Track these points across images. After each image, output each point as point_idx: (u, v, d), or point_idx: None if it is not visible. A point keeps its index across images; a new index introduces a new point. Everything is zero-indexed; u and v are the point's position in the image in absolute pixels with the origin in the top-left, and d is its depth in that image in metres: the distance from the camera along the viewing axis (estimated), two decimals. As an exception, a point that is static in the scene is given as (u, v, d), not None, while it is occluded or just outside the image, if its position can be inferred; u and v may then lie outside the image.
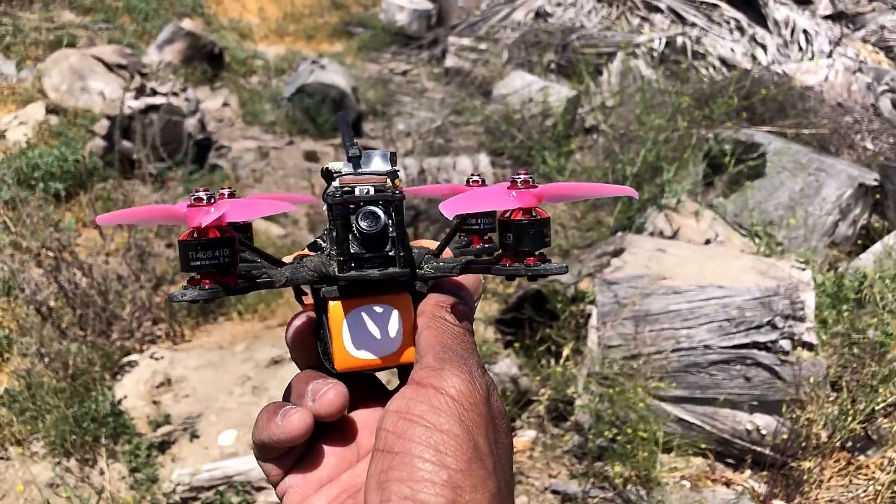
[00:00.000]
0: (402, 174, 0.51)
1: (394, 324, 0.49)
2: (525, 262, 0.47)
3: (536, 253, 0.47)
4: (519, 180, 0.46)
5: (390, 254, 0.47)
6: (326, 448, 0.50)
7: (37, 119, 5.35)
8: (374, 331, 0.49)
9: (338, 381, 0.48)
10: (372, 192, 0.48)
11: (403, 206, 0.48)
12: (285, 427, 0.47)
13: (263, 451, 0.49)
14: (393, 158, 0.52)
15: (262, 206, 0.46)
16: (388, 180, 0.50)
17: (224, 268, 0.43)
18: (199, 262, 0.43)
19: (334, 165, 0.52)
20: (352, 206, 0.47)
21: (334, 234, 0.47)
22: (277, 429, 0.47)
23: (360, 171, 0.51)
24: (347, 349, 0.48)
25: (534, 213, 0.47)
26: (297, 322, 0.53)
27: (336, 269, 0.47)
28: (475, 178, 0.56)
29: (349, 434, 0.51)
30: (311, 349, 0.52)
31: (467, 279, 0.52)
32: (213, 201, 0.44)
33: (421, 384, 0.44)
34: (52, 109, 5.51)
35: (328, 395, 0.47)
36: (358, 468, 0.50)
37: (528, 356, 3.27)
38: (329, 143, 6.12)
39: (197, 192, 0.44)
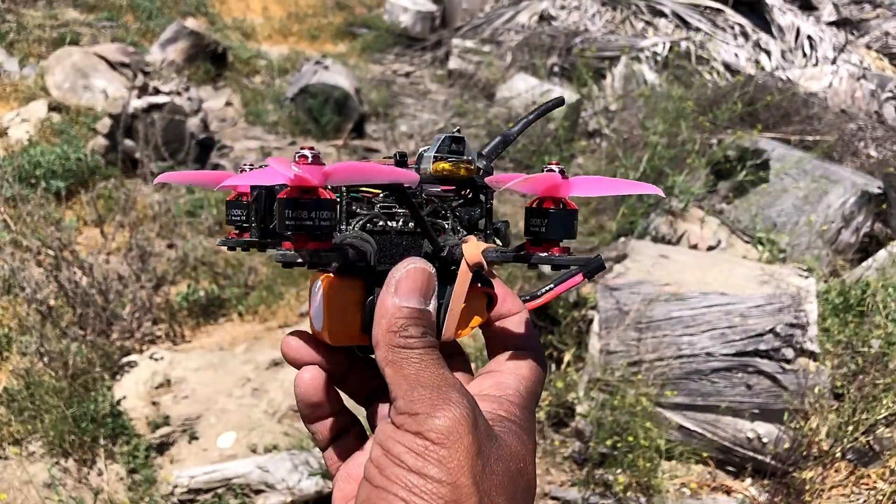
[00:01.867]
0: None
1: (319, 301, 0.48)
2: (551, 251, 0.47)
3: (560, 243, 0.47)
4: (555, 170, 0.47)
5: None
6: (370, 443, 0.51)
7: (39, 117, 5.34)
8: (315, 303, 0.49)
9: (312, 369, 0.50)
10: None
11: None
12: (298, 385, 0.50)
13: (306, 422, 0.52)
14: (448, 144, 0.52)
15: (373, 173, 0.43)
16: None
17: (328, 231, 0.43)
18: (310, 222, 0.42)
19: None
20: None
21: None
22: (295, 388, 0.51)
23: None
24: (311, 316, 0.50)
25: (563, 203, 0.47)
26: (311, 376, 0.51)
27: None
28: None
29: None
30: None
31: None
32: (320, 161, 0.42)
33: (399, 427, 0.43)
34: (54, 107, 5.50)
35: (302, 376, 0.50)
36: None
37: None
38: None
39: (303, 148, 0.42)
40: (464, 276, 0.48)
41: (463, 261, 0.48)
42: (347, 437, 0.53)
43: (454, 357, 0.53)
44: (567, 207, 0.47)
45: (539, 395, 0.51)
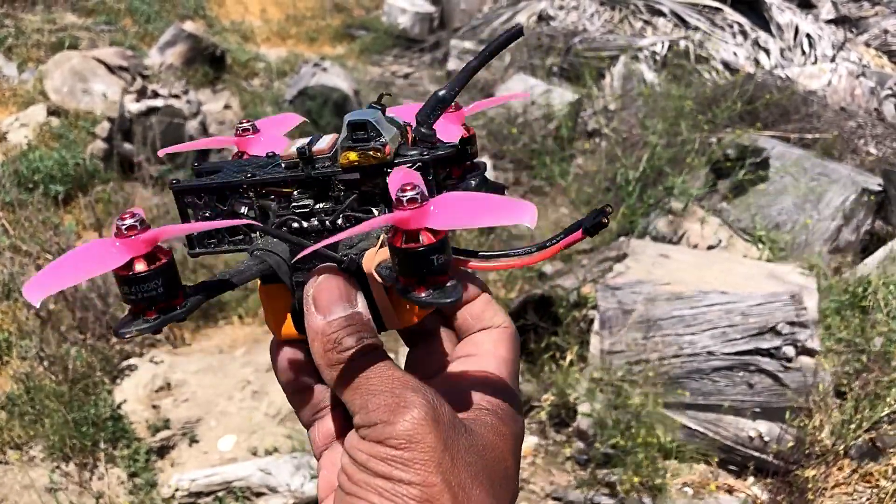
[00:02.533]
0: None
1: None
2: (417, 290, 0.42)
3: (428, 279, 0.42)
4: (124, 226, 0.41)
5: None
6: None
7: (38, 121, 5.33)
8: None
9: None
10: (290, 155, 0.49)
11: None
12: (276, 359, 0.51)
13: (289, 397, 0.52)
14: (360, 132, 0.48)
15: (201, 226, 0.48)
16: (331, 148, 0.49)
17: (160, 299, 0.41)
18: (135, 297, 0.41)
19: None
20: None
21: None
22: (275, 361, 0.51)
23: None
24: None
25: (418, 239, 0.41)
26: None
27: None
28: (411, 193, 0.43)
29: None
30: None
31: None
32: (135, 230, 0.41)
33: (364, 438, 0.43)
34: (53, 111, 5.49)
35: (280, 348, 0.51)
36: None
37: (531, 362, 3.25)
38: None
39: (123, 218, 0.41)
40: (373, 280, 0.46)
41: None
42: (330, 417, 0.52)
43: (430, 337, 0.52)
44: (421, 245, 0.40)
45: (518, 372, 0.51)
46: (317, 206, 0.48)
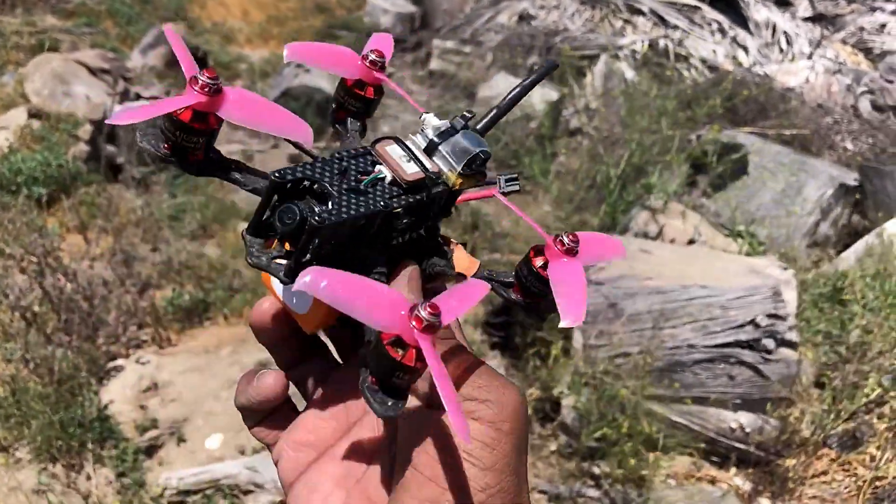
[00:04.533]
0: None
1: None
2: (536, 301, 0.47)
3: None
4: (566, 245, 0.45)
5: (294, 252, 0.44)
6: (313, 412, 0.51)
7: (19, 124, 5.31)
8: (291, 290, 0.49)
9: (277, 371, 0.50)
10: (386, 180, 0.47)
11: (327, 232, 0.43)
12: (260, 388, 0.49)
13: (246, 414, 0.51)
14: (473, 160, 0.48)
15: (267, 116, 0.46)
16: (419, 180, 0.47)
17: (184, 149, 0.45)
18: (174, 139, 0.44)
19: (428, 119, 0.50)
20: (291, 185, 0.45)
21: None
22: (253, 390, 0.49)
23: (438, 148, 0.48)
24: (280, 295, 0.51)
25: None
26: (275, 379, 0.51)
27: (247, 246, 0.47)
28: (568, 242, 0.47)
29: (336, 398, 0.51)
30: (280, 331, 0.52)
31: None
32: (212, 90, 0.44)
33: (470, 416, 0.42)
34: (34, 114, 5.47)
35: (266, 379, 0.49)
36: (357, 443, 0.50)
37: (516, 357, 3.28)
38: (314, 147, 6.11)
39: (203, 73, 0.44)
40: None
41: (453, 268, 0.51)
42: (283, 409, 0.52)
43: None
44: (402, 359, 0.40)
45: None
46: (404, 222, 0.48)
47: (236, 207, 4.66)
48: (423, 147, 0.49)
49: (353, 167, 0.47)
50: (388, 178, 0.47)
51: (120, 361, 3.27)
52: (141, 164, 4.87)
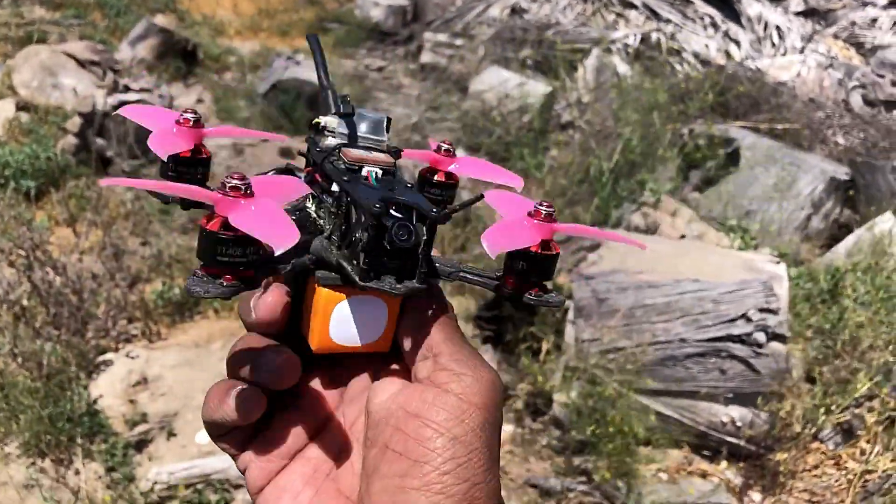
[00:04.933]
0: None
1: (381, 318, 0.48)
2: (530, 291, 0.47)
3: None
4: (543, 212, 0.47)
5: (413, 266, 0.45)
6: (282, 418, 0.49)
7: (6, 116, 5.26)
8: (361, 321, 0.47)
9: (289, 351, 0.46)
10: (380, 174, 0.48)
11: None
12: (239, 407, 0.45)
13: (216, 429, 0.48)
14: (388, 125, 0.51)
15: (285, 190, 0.45)
16: (394, 161, 0.50)
17: (250, 265, 0.42)
18: (226, 260, 0.41)
19: (328, 121, 0.51)
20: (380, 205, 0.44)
21: (359, 237, 0.44)
22: (230, 409, 0.45)
23: (360, 135, 0.50)
24: (330, 334, 0.47)
25: (550, 247, 0.46)
26: (270, 300, 0.47)
27: (356, 275, 0.44)
28: (446, 146, 0.55)
29: (304, 403, 0.49)
30: (283, 327, 0.48)
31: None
32: (250, 192, 0.41)
33: (442, 388, 0.43)
34: (22, 106, 5.42)
35: (284, 368, 0.46)
36: (327, 441, 0.48)
37: (508, 352, 3.28)
38: (304, 140, 6.09)
39: (233, 178, 0.41)
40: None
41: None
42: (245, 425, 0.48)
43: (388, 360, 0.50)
44: (553, 252, 0.47)
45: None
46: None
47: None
48: (348, 141, 0.51)
49: (357, 181, 0.48)
50: (379, 172, 0.49)
51: (109, 356, 3.25)
52: (131, 157, 4.84)
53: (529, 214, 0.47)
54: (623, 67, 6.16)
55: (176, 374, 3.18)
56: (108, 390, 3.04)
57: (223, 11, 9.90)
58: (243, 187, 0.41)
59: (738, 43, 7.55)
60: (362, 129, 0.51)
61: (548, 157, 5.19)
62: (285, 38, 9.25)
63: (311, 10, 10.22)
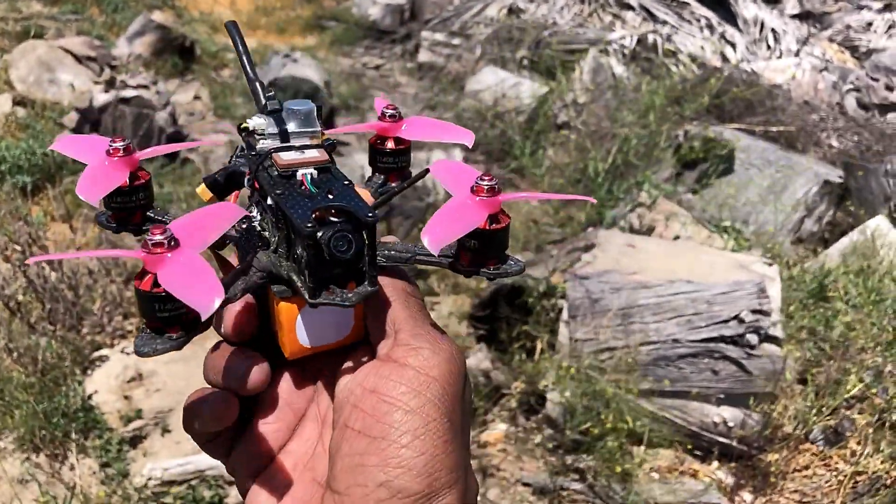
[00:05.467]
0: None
1: (347, 311, 0.48)
2: (487, 265, 0.47)
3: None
4: (485, 187, 0.45)
5: (362, 268, 0.44)
6: (261, 418, 0.49)
7: (3, 111, 5.26)
8: (326, 321, 0.47)
9: (257, 356, 0.47)
10: (315, 174, 0.47)
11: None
12: (211, 414, 0.46)
13: (198, 437, 0.49)
14: (320, 113, 0.51)
15: (217, 223, 0.42)
16: (327, 154, 0.48)
17: (191, 314, 0.40)
18: (167, 314, 0.40)
19: (256, 123, 0.50)
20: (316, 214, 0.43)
21: (301, 254, 0.43)
22: (204, 416, 0.46)
23: (290, 132, 0.49)
24: (300, 340, 0.47)
25: (499, 220, 0.46)
26: (235, 313, 0.48)
27: (305, 292, 0.43)
28: (391, 112, 0.54)
29: (280, 400, 0.50)
30: (250, 337, 0.50)
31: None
32: (174, 244, 0.39)
33: (399, 363, 0.43)
34: (19, 101, 5.42)
35: (253, 374, 0.46)
36: (304, 434, 0.49)
37: (502, 351, 3.29)
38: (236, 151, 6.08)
39: (154, 234, 0.39)
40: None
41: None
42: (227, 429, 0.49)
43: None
44: (502, 225, 0.46)
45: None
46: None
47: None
48: (280, 140, 0.50)
49: (292, 189, 0.46)
50: (314, 172, 0.47)
51: (104, 351, 3.26)
52: (127, 154, 4.84)
53: (472, 191, 0.46)
54: (619, 68, 6.18)
55: (170, 370, 3.19)
56: (102, 386, 3.05)
57: (221, 8, 9.90)
58: (166, 241, 0.39)
59: (733, 45, 7.58)
60: (292, 126, 0.50)
61: (545, 157, 5.21)
62: (283, 35, 9.25)
63: (308, 8, 10.21)
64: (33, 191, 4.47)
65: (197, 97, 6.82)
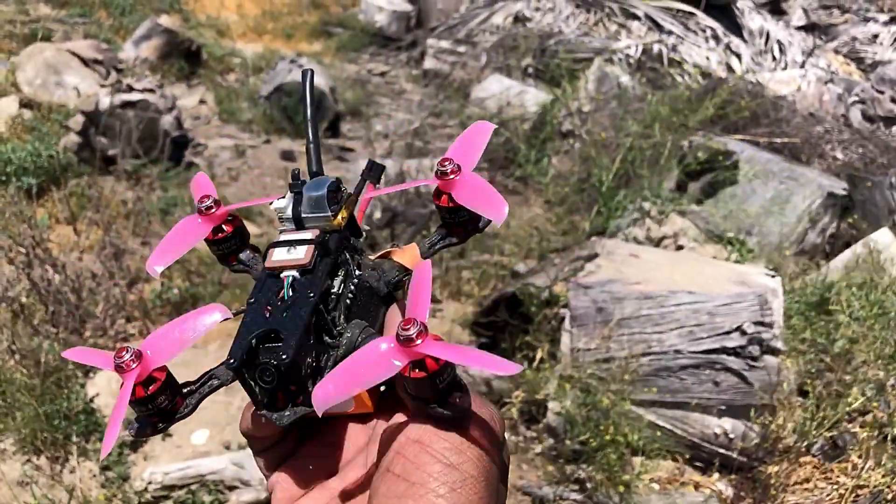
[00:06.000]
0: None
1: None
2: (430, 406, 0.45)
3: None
4: (413, 334, 0.43)
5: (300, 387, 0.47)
6: (312, 449, 0.52)
7: (10, 113, 5.29)
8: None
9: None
10: (297, 277, 0.49)
11: (307, 340, 0.47)
12: (250, 424, 0.50)
13: (251, 443, 0.52)
14: (334, 194, 0.53)
15: (180, 341, 0.48)
16: (315, 254, 0.50)
17: (168, 411, 0.47)
18: (148, 413, 0.47)
19: (278, 206, 0.54)
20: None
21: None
22: (245, 423, 0.51)
23: (303, 216, 0.52)
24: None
25: (426, 368, 0.43)
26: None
27: (255, 403, 0.48)
28: (441, 169, 0.53)
29: (334, 439, 0.52)
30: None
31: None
32: (132, 364, 0.45)
33: (443, 422, 0.44)
34: (25, 104, 5.45)
35: (242, 420, 0.51)
36: (348, 476, 0.51)
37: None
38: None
39: (121, 355, 0.45)
40: None
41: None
42: (285, 442, 0.53)
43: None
44: (428, 373, 0.44)
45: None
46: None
47: (226, 201, 4.65)
48: (294, 227, 0.53)
49: (269, 293, 0.50)
50: (297, 274, 0.50)
51: (107, 354, 3.26)
52: (132, 157, 4.86)
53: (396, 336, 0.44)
54: (625, 78, 6.19)
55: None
56: (104, 389, 3.06)
57: (227, 13, 9.93)
58: (133, 364, 0.46)
59: (739, 56, 7.58)
60: (305, 208, 0.53)
61: (549, 165, 5.21)
62: (289, 40, 9.28)
63: (315, 14, 10.25)
64: (38, 193, 4.48)
65: (202, 101, 6.84)
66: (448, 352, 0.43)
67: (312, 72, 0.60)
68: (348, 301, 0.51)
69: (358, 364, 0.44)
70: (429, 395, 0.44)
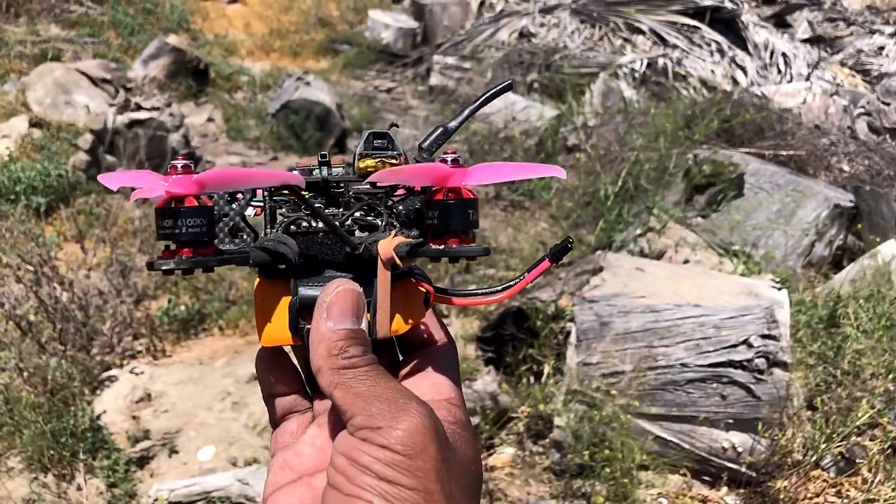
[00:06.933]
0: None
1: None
2: (447, 243, 0.47)
3: (461, 234, 0.47)
4: (179, 165, 0.44)
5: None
6: (309, 434, 0.53)
7: (20, 132, 5.33)
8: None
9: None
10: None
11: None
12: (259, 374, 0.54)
13: (262, 385, 0.54)
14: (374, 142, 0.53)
15: (251, 178, 0.45)
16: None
17: (199, 238, 0.44)
18: (178, 230, 0.43)
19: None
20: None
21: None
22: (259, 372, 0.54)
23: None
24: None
25: (459, 193, 0.47)
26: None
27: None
28: (453, 155, 0.50)
29: (323, 430, 0.53)
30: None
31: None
32: (192, 169, 0.43)
33: (365, 440, 0.43)
34: (35, 123, 5.49)
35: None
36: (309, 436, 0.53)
37: (509, 374, 3.29)
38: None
39: (177, 159, 0.44)
40: (383, 274, 0.47)
41: (379, 258, 0.47)
42: (300, 418, 0.54)
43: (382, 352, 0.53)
44: (461, 197, 0.46)
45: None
46: (327, 210, 0.52)
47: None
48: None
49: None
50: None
51: (114, 372, 3.28)
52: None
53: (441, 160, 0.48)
54: (630, 92, 6.20)
55: (179, 391, 3.20)
56: (111, 406, 3.07)
57: (235, 31, 10.01)
58: (180, 165, 0.44)
59: (744, 69, 7.59)
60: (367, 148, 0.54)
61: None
62: (296, 58, 9.34)
63: (322, 32, 10.31)
64: (47, 211, 4.52)
65: (210, 119, 6.89)
66: (490, 171, 0.47)
67: (511, 83, 0.59)
68: (307, 224, 0.51)
69: (413, 169, 0.47)
70: (456, 226, 0.46)
